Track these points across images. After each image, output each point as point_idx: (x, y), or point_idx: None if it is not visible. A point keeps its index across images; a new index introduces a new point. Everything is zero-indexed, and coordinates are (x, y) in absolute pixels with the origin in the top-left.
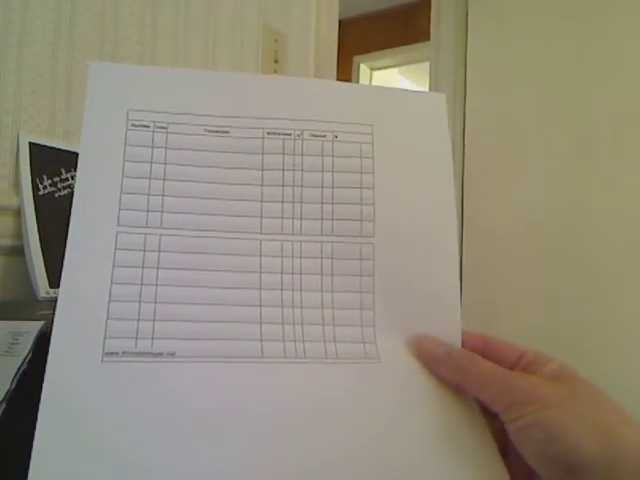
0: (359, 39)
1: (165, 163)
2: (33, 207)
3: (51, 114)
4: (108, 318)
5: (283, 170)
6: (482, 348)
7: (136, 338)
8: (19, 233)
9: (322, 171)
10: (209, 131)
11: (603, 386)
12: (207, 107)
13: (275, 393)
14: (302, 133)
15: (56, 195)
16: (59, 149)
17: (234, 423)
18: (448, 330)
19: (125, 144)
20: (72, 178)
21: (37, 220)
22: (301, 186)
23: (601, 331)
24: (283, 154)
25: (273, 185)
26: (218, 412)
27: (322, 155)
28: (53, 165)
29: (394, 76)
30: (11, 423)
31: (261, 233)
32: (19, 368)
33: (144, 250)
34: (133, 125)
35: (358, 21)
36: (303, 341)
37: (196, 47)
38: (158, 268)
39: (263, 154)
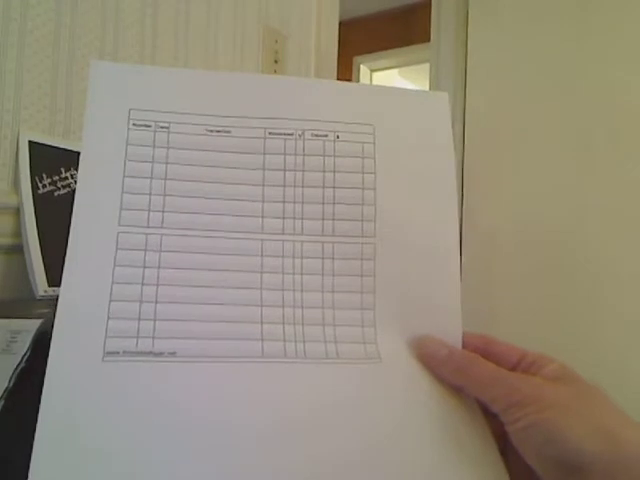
0: (359, 40)
1: (166, 163)
2: (32, 206)
3: (51, 113)
4: (109, 317)
5: (285, 170)
6: (483, 349)
7: (137, 338)
8: (18, 232)
9: (323, 171)
10: (210, 131)
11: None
12: (209, 107)
13: (275, 396)
14: (303, 133)
15: (55, 194)
16: (59, 148)
17: (235, 426)
18: (449, 330)
19: (126, 143)
20: (72, 177)
21: (36, 219)
22: (302, 186)
23: (601, 333)
24: (284, 154)
25: (274, 185)
26: (219, 414)
27: (323, 155)
28: (53, 164)
29: (394, 77)
30: (9, 421)
31: (262, 233)
32: (17, 366)
33: (145, 250)
34: (134, 124)
35: (358, 22)
36: (304, 341)
37: (196, 47)
38: (159, 268)
39: (265, 154)
